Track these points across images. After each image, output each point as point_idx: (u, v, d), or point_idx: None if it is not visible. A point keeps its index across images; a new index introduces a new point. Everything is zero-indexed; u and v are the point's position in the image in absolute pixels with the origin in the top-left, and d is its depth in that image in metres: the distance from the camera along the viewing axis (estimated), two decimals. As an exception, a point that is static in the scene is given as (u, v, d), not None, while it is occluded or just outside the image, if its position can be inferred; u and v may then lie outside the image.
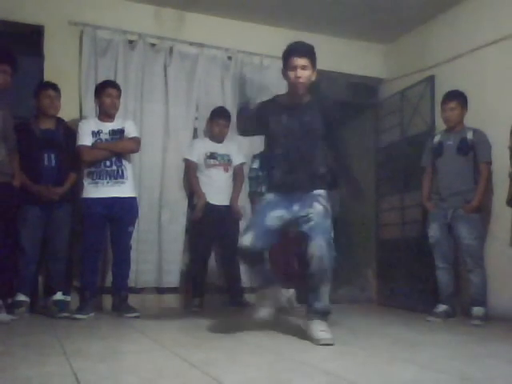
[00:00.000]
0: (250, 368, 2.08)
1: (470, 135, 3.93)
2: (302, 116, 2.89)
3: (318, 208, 2.82)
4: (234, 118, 4.60)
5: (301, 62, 2.80)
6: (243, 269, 4.53)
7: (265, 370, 2.06)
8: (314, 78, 2.90)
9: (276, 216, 2.88)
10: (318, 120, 2.89)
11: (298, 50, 2.84)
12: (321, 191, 2.90)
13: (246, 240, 2.82)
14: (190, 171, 4.41)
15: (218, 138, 4.46)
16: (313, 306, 2.79)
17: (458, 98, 4.00)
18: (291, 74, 2.83)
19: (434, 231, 4.01)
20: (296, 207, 2.87)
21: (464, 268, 3.91)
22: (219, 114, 4.47)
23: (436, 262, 4.01)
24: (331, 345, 2.60)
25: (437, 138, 4.12)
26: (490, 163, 3.89)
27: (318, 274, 2.73)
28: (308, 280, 2.78)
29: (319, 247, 2.70)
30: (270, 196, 2.99)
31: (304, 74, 2.81)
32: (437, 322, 3.76)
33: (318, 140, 2.91)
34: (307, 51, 2.84)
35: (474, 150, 3.90)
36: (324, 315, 2.80)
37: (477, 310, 3.73)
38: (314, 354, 2.46)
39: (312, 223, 2.78)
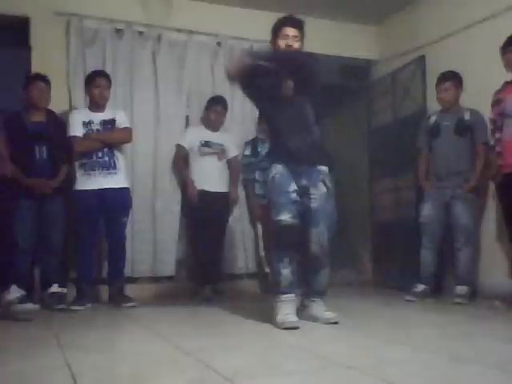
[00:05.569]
0: (243, 353, 2.10)
1: (467, 116, 3.91)
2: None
3: (322, 190, 2.84)
4: (230, 105, 4.58)
5: (293, 32, 2.87)
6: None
7: (258, 355, 2.08)
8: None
9: (293, 190, 2.82)
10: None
11: (292, 20, 2.91)
12: (324, 168, 2.89)
13: (285, 216, 2.75)
14: (179, 157, 4.38)
15: (214, 126, 4.43)
16: (314, 288, 2.89)
17: (452, 78, 3.97)
18: (282, 43, 2.87)
19: (426, 210, 4.00)
20: (304, 182, 2.85)
21: (455, 247, 3.91)
22: (216, 101, 4.43)
23: (423, 241, 4.01)
24: (337, 323, 2.74)
25: (433, 119, 4.08)
26: (487, 143, 3.85)
27: (318, 259, 2.83)
28: (308, 263, 2.86)
29: (320, 234, 2.80)
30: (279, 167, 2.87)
31: (295, 44, 2.87)
32: (415, 301, 3.79)
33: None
34: (300, 23, 2.92)
35: (471, 131, 3.89)
36: (323, 296, 2.92)
37: (460, 289, 3.74)
38: (308, 338, 2.48)
39: (315, 205, 2.80)
